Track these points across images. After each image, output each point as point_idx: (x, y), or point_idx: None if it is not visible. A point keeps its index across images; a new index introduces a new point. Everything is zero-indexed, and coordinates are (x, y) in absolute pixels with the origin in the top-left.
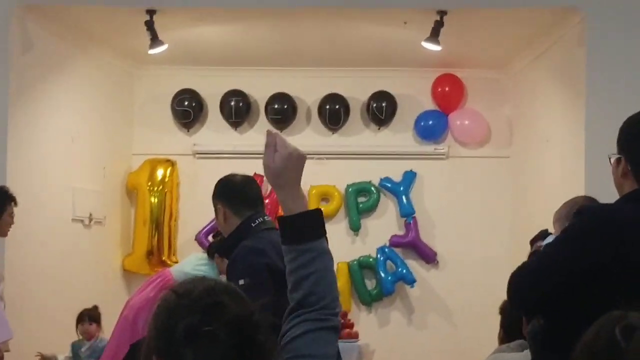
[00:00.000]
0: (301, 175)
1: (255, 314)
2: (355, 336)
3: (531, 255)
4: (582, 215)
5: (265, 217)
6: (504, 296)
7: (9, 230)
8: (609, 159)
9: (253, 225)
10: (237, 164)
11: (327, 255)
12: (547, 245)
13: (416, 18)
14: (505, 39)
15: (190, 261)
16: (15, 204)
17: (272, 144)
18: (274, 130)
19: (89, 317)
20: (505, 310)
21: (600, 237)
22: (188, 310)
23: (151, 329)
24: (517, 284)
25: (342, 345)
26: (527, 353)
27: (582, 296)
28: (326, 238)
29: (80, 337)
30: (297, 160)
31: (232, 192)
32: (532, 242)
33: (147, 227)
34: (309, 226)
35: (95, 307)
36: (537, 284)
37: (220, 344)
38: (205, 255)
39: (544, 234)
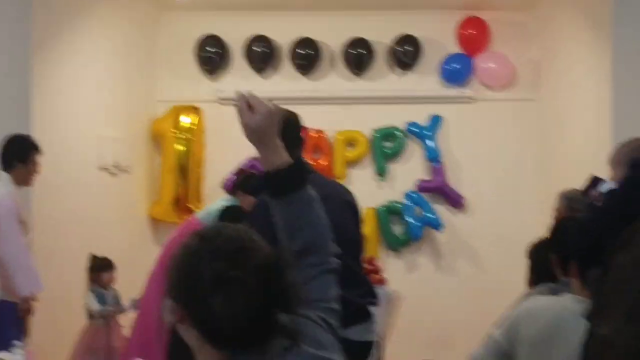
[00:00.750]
0: (277, 128)
1: (281, 258)
2: (383, 282)
3: (589, 205)
4: (638, 168)
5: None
6: (531, 239)
7: (33, 180)
8: None
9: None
10: None
11: (314, 201)
12: (606, 199)
13: None
14: None
15: (215, 204)
16: (40, 153)
17: (245, 104)
18: (242, 92)
19: (112, 265)
20: (533, 253)
21: None
22: (214, 255)
23: (173, 280)
24: (576, 236)
25: None
26: (567, 297)
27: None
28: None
29: (96, 286)
30: (276, 115)
31: (286, 128)
32: (586, 191)
33: (173, 174)
34: (296, 176)
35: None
36: (595, 236)
37: (249, 288)
38: (229, 195)
39: (595, 180)
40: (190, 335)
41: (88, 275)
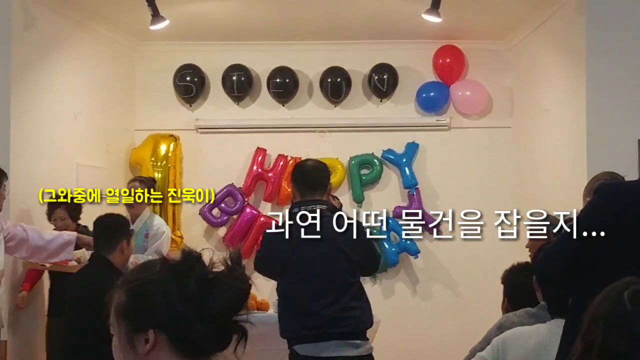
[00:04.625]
0: None
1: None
2: None
3: (557, 232)
4: (597, 192)
5: (309, 206)
6: (507, 267)
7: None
8: None
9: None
10: (239, 138)
11: None
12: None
13: None
14: (505, 10)
15: None
16: (6, 177)
17: None
18: None
19: None
20: (507, 279)
21: (611, 212)
22: (186, 281)
23: (147, 308)
24: (542, 262)
25: None
26: (553, 323)
27: (600, 270)
28: None
29: None
30: None
31: (294, 174)
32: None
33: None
34: None
35: None
36: (559, 262)
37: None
38: None
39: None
40: (159, 356)
41: None
